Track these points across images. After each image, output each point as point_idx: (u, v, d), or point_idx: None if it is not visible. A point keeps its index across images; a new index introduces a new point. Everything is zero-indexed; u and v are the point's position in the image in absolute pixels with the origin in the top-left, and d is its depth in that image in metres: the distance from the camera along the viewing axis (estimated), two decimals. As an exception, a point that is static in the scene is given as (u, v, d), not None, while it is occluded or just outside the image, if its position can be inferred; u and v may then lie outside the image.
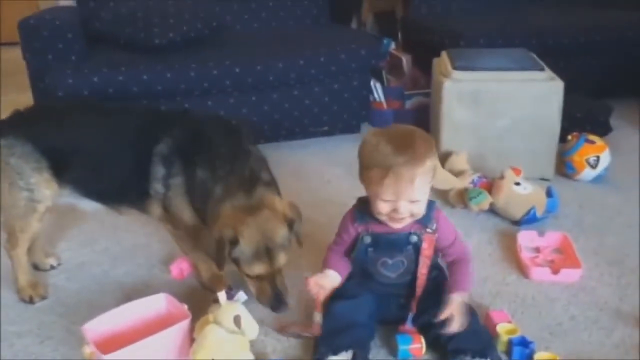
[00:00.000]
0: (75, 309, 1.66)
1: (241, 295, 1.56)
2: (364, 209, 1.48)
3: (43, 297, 1.71)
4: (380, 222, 1.45)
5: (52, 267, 1.87)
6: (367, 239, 1.47)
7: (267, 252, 1.47)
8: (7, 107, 3.61)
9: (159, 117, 1.68)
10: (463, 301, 1.43)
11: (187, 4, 3.05)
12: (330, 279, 1.48)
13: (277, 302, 1.51)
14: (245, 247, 1.46)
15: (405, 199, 1.35)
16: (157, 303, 1.50)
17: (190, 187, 1.56)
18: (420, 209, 1.39)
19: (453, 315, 1.39)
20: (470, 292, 1.49)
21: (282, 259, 1.50)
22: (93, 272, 1.85)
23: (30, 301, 1.69)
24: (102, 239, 2.04)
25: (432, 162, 1.37)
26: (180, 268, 1.80)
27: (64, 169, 1.63)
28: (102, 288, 1.77)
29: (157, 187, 1.59)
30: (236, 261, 1.49)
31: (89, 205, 1.76)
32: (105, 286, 1.78)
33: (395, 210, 1.36)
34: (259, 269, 1.48)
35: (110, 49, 2.69)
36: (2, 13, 6.10)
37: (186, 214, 1.60)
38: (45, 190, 1.63)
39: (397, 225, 1.42)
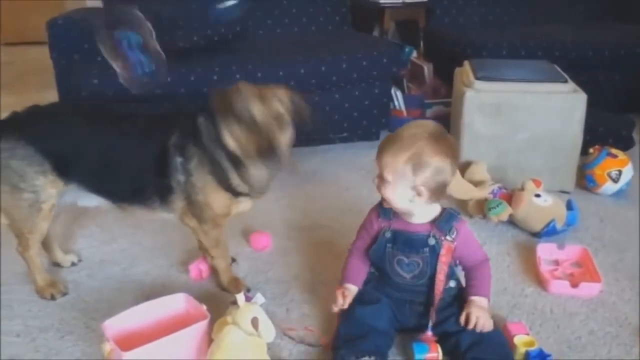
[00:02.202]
0: (95, 306, 1.68)
1: (259, 298, 1.57)
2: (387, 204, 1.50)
3: (64, 293, 1.74)
4: (401, 220, 1.48)
5: (73, 264, 1.90)
6: (388, 234, 1.49)
7: (263, 95, 1.53)
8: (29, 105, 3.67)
9: (164, 116, 1.70)
10: (483, 306, 1.45)
11: (211, 8, 3.09)
12: (351, 292, 1.52)
13: (269, 148, 1.50)
14: (244, 89, 1.53)
15: (379, 173, 1.44)
16: (177, 302, 1.51)
17: (209, 158, 1.58)
18: (388, 196, 1.44)
19: (471, 314, 1.42)
20: (489, 297, 1.49)
21: (277, 105, 1.53)
22: (113, 270, 1.88)
23: (52, 298, 1.72)
24: (123, 238, 2.07)
25: (404, 161, 1.38)
26: (199, 269, 1.82)
27: (69, 170, 1.63)
28: (121, 286, 1.79)
29: (179, 177, 1.60)
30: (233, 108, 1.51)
31: (90, 202, 1.74)
32: (125, 284, 1.80)
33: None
34: (253, 106, 1.50)
35: (135, 50, 2.73)
36: (29, 13, 6.22)
37: (212, 194, 1.61)
38: (50, 190, 1.63)
39: (384, 204, 1.49)
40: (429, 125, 1.45)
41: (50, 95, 2.98)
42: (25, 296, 1.74)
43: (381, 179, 1.43)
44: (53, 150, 1.61)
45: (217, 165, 1.58)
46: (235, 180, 1.60)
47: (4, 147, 1.59)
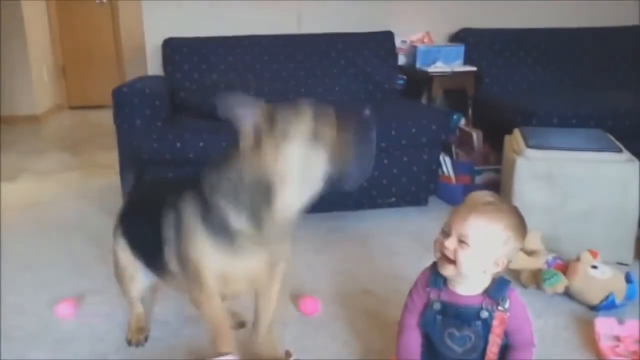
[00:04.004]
0: (147, 366, 1.70)
1: (309, 365, 1.56)
2: (438, 273, 1.45)
3: (139, 343, 1.82)
4: (451, 291, 1.43)
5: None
6: (437, 306, 1.45)
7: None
8: (90, 165, 3.85)
9: (176, 184, 1.62)
10: None
11: (266, 78, 3.23)
12: None
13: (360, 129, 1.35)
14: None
15: (456, 234, 1.35)
16: (227, 367, 1.51)
17: (204, 202, 1.40)
18: (465, 261, 1.35)
19: None
20: None
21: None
22: (164, 330, 1.90)
23: (129, 344, 1.82)
24: (173, 299, 2.09)
25: (501, 229, 1.34)
26: (248, 332, 1.82)
27: (128, 238, 1.77)
28: (172, 346, 1.81)
29: (169, 233, 1.49)
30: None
31: None
32: (176, 345, 1.82)
33: (444, 245, 1.37)
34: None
35: (193, 116, 2.86)
36: (93, 79, 6.62)
37: (198, 243, 1.42)
38: (124, 257, 1.78)
39: (443, 271, 1.40)
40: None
41: (110, 157, 3.13)
42: (79, 354, 1.78)
43: (461, 243, 1.35)
44: (121, 219, 1.81)
45: (210, 208, 1.38)
46: (236, 220, 1.36)
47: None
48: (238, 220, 1.36)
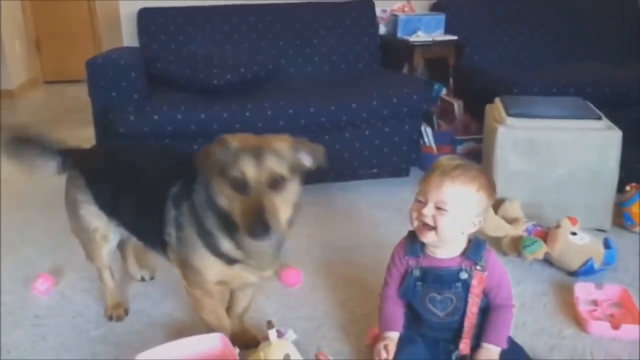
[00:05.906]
0: (128, 340, 1.69)
1: (290, 334, 1.56)
2: (415, 241, 1.47)
3: (119, 318, 1.79)
4: (430, 256, 1.45)
5: (143, 279, 2.02)
6: (417, 272, 1.47)
7: (256, 152, 1.26)
8: (67, 140, 3.77)
9: (180, 159, 1.57)
10: (494, 358, 1.42)
11: (244, 48, 3.18)
12: (393, 341, 1.47)
13: (257, 221, 1.23)
14: (233, 144, 1.28)
15: (432, 202, 1.37)
16: (212, 342, 1.49)
17: (198, 219, 1.40)
18: (446, 226, 1.38)
19: None
20: (504, 347, 1.44)
21: (273, 164, 1.27)
22: (144, 304, 1.89)
23: (110, 319, 1.79)
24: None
25: (475, 191, 1.38)
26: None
27: (105, 204, 1.68)
28: (152, 320, 1.80)
29: (171, 231, 1.46)
30: (221, 166, 1.28)
31: None
32: (156, 318, 1.81)
33: (422, 213, 1.39)
34: (245, 165, 1.25)
35: (171, 88, 2.80)
36: (69, 52, 6.47)
37: (199, 257, 1.42)
38: (95, 220, 1.69)
39: (423, 239, 1.42)
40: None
41: (87, 132, 3.06)
42: (60, 329, 1.76)
43: (439, 210, 1.37)
44: (91, 184, 1.68)
45: (204, 227, 1.39)
46: (225, 245, 1.38)
47: (69, 175, 1.73)
48: (226, 245, 1.39)
